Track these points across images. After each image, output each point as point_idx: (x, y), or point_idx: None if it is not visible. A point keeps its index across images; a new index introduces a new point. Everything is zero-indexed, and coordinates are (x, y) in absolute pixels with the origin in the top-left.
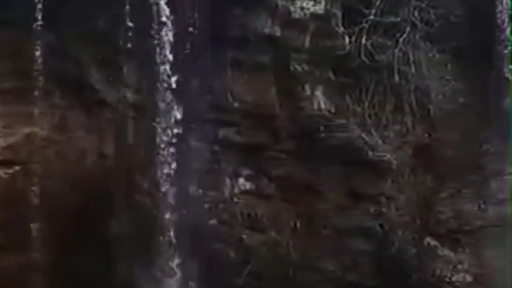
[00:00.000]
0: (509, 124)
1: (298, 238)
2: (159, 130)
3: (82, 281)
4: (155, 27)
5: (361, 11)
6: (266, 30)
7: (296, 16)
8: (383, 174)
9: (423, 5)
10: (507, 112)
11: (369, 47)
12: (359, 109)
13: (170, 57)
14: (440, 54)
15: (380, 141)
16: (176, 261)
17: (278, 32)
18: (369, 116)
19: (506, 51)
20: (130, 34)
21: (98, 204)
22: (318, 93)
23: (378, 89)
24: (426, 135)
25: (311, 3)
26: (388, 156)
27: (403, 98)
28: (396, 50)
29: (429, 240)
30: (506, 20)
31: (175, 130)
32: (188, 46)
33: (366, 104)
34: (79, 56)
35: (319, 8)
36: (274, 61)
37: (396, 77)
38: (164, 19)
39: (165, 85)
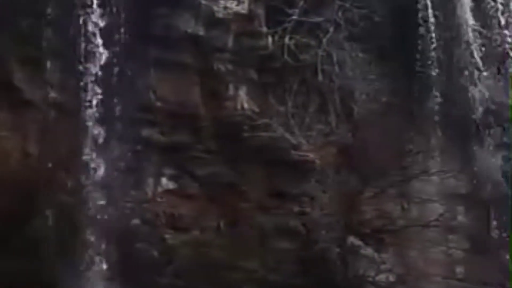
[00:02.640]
0: (432, 124)
1: (222, 238)
2: (83, 129)
3: (8, 280)
4: (79, 27)
5: (284, 11)
6: (190, 30)
7: (220, 15)
8: (306, 173)
9: (347, 5)
10: (431, 112)
11: (292, 47)
12: (282, 109)
13: (94, 56)
14: (363, 54)
15: (303, 141)
16: (99, 260)
17: (201, 31)
18: (293, 116)
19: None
20: (54, 34)
21: (22, 203)
22: (242, 93)
23: (302, 89)
24: (349, 135)
25: (235, 3)
26: (312, 155)
27: (326, 98)
28: (320, 50)
29: (353, 240)
30: (429, 20)
31: (99, 130)
32: (111, 45)
33: (290, 104)
34: (3, 56)
35: (242, 8)
36: (197, 60)
37: (320, 77)
38: (89, 18)
39: (89, 84)
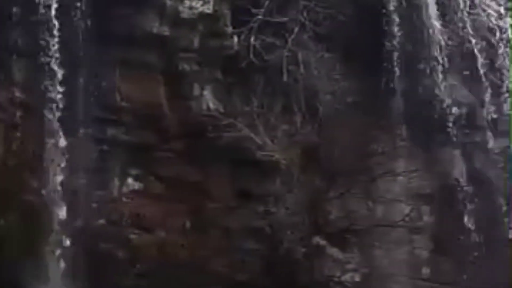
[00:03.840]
0: (397, 124)
1: (187, 238)
2: (48, 129)
3: None
4: (43, 26)
5: (250, 11)
6: (155, 30)
7: (185, 15)
8: (271, 174)
9: (312, 5)
10: (396, 112)
11: (257, 47)
12: (247, 109)
13: (58, 56)
14: (328, 53)
15: (268, 141)
16: (64, 260)
17: (166, 31)
18: (258, 116)
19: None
20: (18, 34)
21: None
22: (207, 92)
23: (267, 89)
24: (314, 135)
25: (200, 2)
26: (277, 155)
27: (292, 98)
28: (285, 50)
29: (318, 240)
30: (395, 20)
31: (64, 130)
32: (76, 45)
33: (255, 104)
34: None
35: (208, 8)
36: (162, 61)
37: (285, 77)
38: (52, 18)
39: (53, 84)
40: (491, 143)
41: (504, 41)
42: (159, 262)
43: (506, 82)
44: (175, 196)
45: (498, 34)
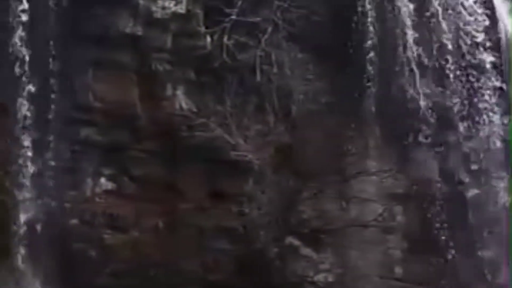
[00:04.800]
0: (370, 124)
1: (160, 238)
2: (20, 129)
3: None
4: (12, 26)
5: (223, 11)
6: (128, 30)
7: (158, 15)
8: (244, 174)
9: (285, 5)
10: (369, 112)
11: (231, 46)
12: (220, 109)
13: (29, 56)
14: (302, 53)
15: (241, 141)
16: (36, 260)
17: (139, 31)
18: (231, 115)
19: (371, 54)
20: None
21: None
22: (180, 92)
23: (240, 89)
24: (288, 135)
25: (173, 2)
26: (250, 155)
27: (265, 97)
28: (258, 50)
29: (292, 240)
30: (369, 20)
31: (36, 130)
32: (48, 45)
33: (228, 103)
34: None
35: (181, 8)
36: (135, 60)
37: (258, 77)
38: (22, 17)
39: (26, 84)
40: (465, 143)
41: (479, 41)
42: (132, 262)
43: (480, 82)
44: (148, 196)
45: (473, 34)
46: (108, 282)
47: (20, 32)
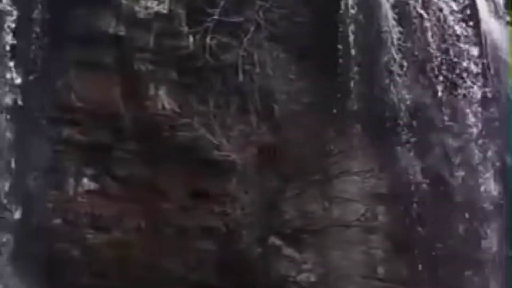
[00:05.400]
0: (353, 124)
1: (143, 238)
2: (3, 129)
3: None
4: None
5: (205, 10)
6: (111, 30)
7: (141, 15)
8: (227, 174)
9: (268, 5)
10: (351, 112)
11: (213, 47)
12: (203, 109)
13: (11, 55)
14: (284, 54)
15: (224, 141)
16: (19, 260)
17: (122, 31)
18: (214, 116)
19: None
20: None
21: None
22: (162, 92)
23: (223, 89)
24: (270, 135)
25: (155, 2)
26: (233, 156)
27: (247, 98)
28: (241, 50)
29: (274, 240)
30: (350, 20)
31: (18, 130)
32: (31, 45)
33: (211, 103)
34: None
35: (163, 8)
36: (118, 61)
37: (241, 77)
38: (4, 17)
39: (8, 84)
40: (446, 143)
41: (462, 42)
42: (115, 262)
43: (464, 83)
44: (131, 196)
45: (455, 35)
46: (91, 282)
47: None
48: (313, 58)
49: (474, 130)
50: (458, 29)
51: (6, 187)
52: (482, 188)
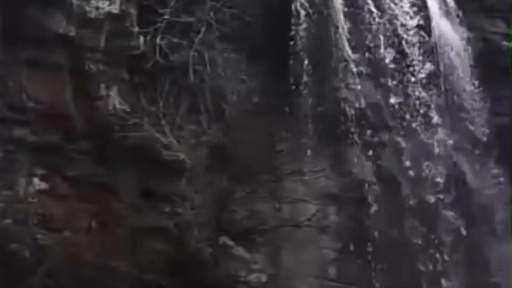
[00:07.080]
0: (303, 124)
1: (94, 238)
2: None
3: None
4: None
5: (156, 11)
6: (61, 30)
7: (92, 15)
8: (178, 174)
9: (218, 5)
10: (302, 112)
11: (164, 47)
12: (153, 109)
13: None
14: (235, 54)
15: (174, 141)
16: None
17: (73, 31)
18: (164, 116)
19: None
20: None
21: None
22: (113, 93)
23: (173, 89)
24: (221, 135)
25: (107, 2)
26: (183, 155)
27: (198, 98)
28: (192, 50)
29: (225, 240)
30: (301, 19)
31: None
32: None
33: (161, 104)
34: None
35: (115, 8)
36: (69, 61)
37: (191, 77)
38: None
39: None
40: (400, 143)
41: (413, 42)
42: (66, 261)
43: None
44: (82, 196)
45: (407, 34)
46: (42, 282)
47: None
48: (264, 58)
49: (426, 132)
50: (410, 31)
51: None
52: (435, 189)
